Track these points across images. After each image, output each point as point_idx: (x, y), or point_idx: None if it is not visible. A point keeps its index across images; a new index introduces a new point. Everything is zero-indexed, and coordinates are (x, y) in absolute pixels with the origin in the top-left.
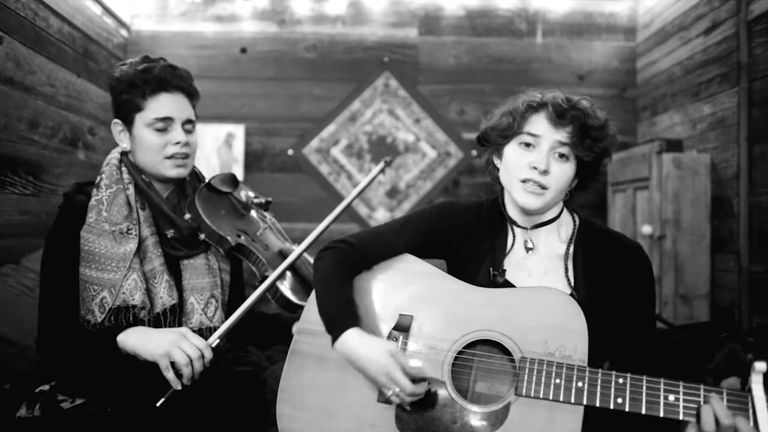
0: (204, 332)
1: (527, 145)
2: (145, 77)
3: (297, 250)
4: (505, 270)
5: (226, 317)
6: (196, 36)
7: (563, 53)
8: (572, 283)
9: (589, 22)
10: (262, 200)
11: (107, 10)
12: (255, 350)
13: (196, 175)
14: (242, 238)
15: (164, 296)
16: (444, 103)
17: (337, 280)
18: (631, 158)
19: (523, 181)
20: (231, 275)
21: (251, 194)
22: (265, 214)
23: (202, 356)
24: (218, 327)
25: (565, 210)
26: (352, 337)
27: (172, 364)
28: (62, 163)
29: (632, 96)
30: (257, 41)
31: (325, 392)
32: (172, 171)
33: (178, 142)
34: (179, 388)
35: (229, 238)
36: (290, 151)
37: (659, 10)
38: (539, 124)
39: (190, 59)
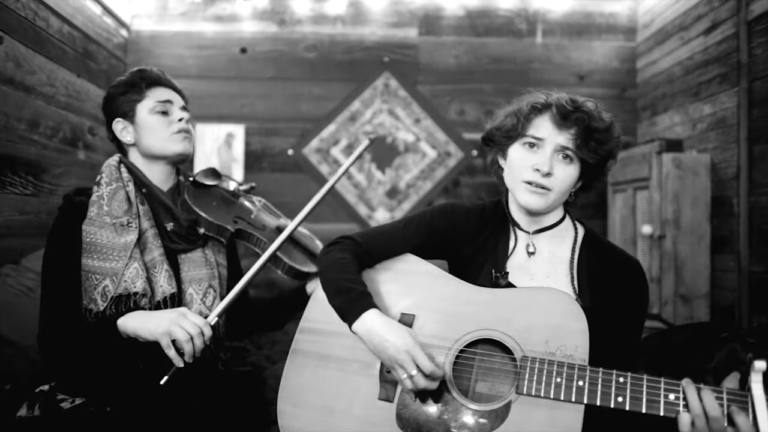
0: None
1: (531, 146)
2: (141, 75)
3: (291, 224)
4: (508, 272)
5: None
6: (196, 36)
7: (563, 53)
8: (577, 290)
9: (589, 22)
10: (247, 186)
11: (107, 10)
12: (255, 350)
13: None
14: (239, 223)
15: (164, 285)
16: (444, 103)
17: (351, 267)
18: (631, 158)
19: (527, 182)
20: (228, 270)
21: (236, 183)
22: (254, 197)
23: (202, 333)
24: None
25: (567, 217)
26: (372, 317)
27: (174, 342)
28: (62, 163)
29: (632, 96)
30: (257, 41)
31: (326, 390)
32: (179, 145)
33: (181, 119)
34: (181, 365)
35: (227, 226)
36: (290, 151)
37: (659, 10)
38: (543, 126)
39: (190, 59)
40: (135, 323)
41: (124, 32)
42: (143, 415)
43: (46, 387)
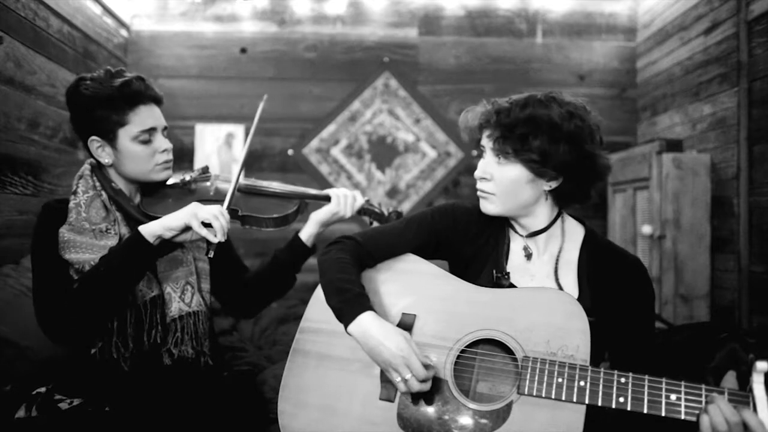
0: (185, 318)
1: (480, 155)
2: (123, 92)
3: (237, 167)
4: (509, 273)
5: (223, 283)
6: (196, 36)
7: (563, 53)
8: (576, 291)
9: (589, 22)
10: (197, 172)
11: (107, 10)
12: (255, 350)
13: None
14: None
15: (143, 288)
16: (444, 103)
17: (350, 268)
18: (631, 158)
19: (478, 189)
20: (223, 255)
21: (181, 175)
22: (206, 175)
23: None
24: (197, 311)
25: (561, 219)
26: (367, 319)
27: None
28: (62, 163)
29: (632, 96)
30: (257, 41)
31: (327, 390)
32: (161, 174)
33: (164, 150)
34: (216, 240)
35: None
36: (290, 151)
37: (659, 10)
38: (484, 134)
39: (190, 59)
40: (161, 221)
41: (124, 32)
42: (142, 415)
43: (43, 389)
